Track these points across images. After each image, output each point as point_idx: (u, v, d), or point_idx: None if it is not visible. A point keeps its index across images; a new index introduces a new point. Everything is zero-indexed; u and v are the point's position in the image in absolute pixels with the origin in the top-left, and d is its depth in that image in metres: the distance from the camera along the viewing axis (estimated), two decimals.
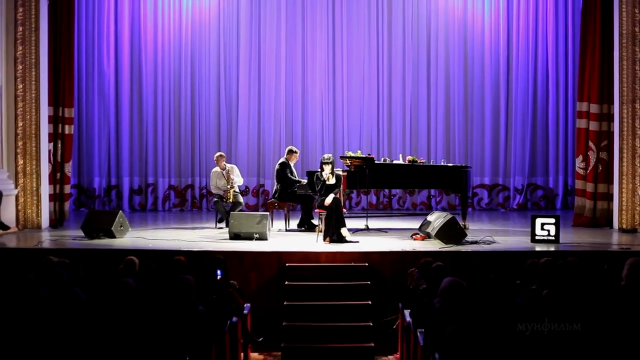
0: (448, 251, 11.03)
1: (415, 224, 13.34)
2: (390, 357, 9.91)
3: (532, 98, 17.13)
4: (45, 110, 13.88)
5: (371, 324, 10.14)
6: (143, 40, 17.11)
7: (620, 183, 13.49)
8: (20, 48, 13.60)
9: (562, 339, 5.36)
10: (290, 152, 13.81)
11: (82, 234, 12.46)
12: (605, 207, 13.94)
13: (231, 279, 9.43)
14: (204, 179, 16.98)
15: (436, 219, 12.12)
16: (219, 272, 8.50)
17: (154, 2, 17.14)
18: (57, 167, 14.22)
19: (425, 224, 12.38)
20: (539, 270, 7.60)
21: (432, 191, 17.11)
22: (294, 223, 13.77)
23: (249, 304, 9.49)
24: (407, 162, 13.81)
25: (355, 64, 17.21)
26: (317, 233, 12.31)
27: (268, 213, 12.75)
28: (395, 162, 14.04)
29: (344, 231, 11.83)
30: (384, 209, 17.19)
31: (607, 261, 8.85)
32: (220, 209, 13.71)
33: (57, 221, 14.15)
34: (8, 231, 13.11)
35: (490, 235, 12.21)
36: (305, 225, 13.52)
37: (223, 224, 13.51)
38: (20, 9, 13.57)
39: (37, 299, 6.35)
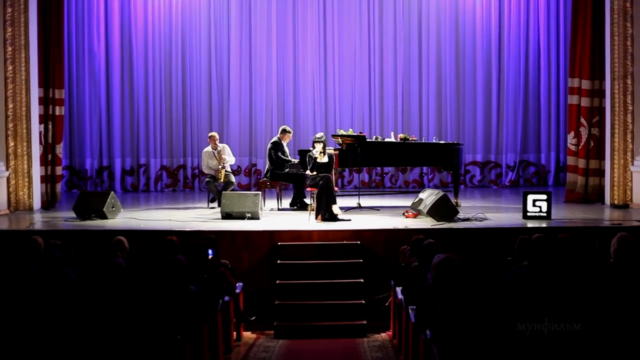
0: (440, 228, 11.05)
1: (407, 201, 13.38)
2: (382, 334, 9.94)
3: (523, 74, 17.12)
4: (35, 92, 13.81)
5: (363, 302, 10.17)
6: (133, 20, 17.02)
7: (612, 159, 13.50)
8: (10, 29, 13.51)
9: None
10: (284, 131, 13.79)
11: (74, 215, 12.43)
12: (597, 183, 13.96)
13: (223, 259, 9.46)
14: (196, 159, 16.96)
15: (428, 196, 12.13)
16: (210, 251, 8.51)
17: None
18: (48, 149, 14.16)
19: (417, 201, 12.38)
20: (530, 246, 7.62)
21: (425, 169, 17.13)
22: (286, 202, 13.77)
23: (241, 283, 9.53)
24: (399, 140, 13.81)
25: (346, 42, 17.17)
26: (309, 212, 12.32)
27: (260, 192, 12.75)
28: (387, 140, 14.03)
29: (335, 208, 11.83)
30: (376, 187, 17.21)
31: (599, 237, 8.88)
32: (212, 188, 13.70)
33: (48, 203, 14.11)
34: None
35: (482, 212, 12.24)
36: (298, 204, 13.53)
37: (215, 204, 13.50)
38: None
39: (27, 280, 6.35)
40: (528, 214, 11.72)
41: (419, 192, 13.21)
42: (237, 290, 9.16)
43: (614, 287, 6.10)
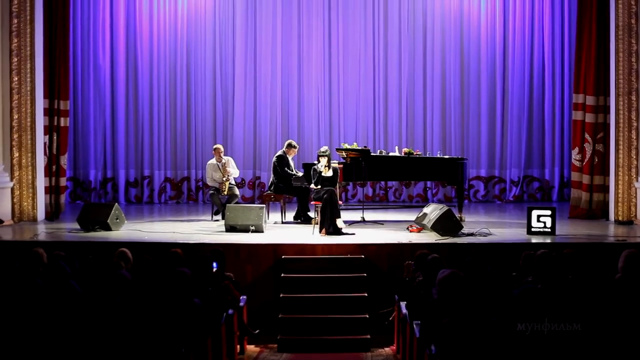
0: (444, 243, 11.03)
1: (411, 216, 13.36)
2: (386, 349, 9.92)
3: (528, 90, 17.12)
4: (40, 103, 13.84)
5: (367, 316, 10.15)
6: (138, 32, 17.06)
7: (617, 175, 13.49)
8: (16, 40, 13.55)
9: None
10: (289, 146, 13.75)
11: (78, 226, 12.44)
12: (601, 199, 13.94)
13: (227, 272, 9.44)
14: (200, 171, 16.97)
15: (432, 211, 12.12)
16: (214, 264, 8.50)
17: None
18: (52, 160, 14.18)
19: (422, 216, 12.37)
20: (535, 262, 7.61)
21: (429, 183, 17.10)
22: (290, 215, 13.75)
23: (245, 297, 9.51)
24: (403, 154, 13.81)
25: (351, 55, 17.19)
26: (313, 225, 12.31)
27: (264, 205, 12.75)
28: (391, 154, 14.03)
29: (339, 222, 11.82)
30: (380, 201, 17.18)
31: (603, 253, 8.87)
32: (216, 201, 13.69)
33: (53, 214, 14.11)
34: (3, 224, 13.08)
35: (486, 227, 12.20)
36: (302, 218, 13.52)
37: (219, 217, 13.49)
38: (16, 1, 13.49)
39: (31, 292, 6.34)
40: (532, 229, 11.70)
41: (423, 206, 13.20)
42: (241, 304, 9.15)
43: (620, 302, 6.09)
